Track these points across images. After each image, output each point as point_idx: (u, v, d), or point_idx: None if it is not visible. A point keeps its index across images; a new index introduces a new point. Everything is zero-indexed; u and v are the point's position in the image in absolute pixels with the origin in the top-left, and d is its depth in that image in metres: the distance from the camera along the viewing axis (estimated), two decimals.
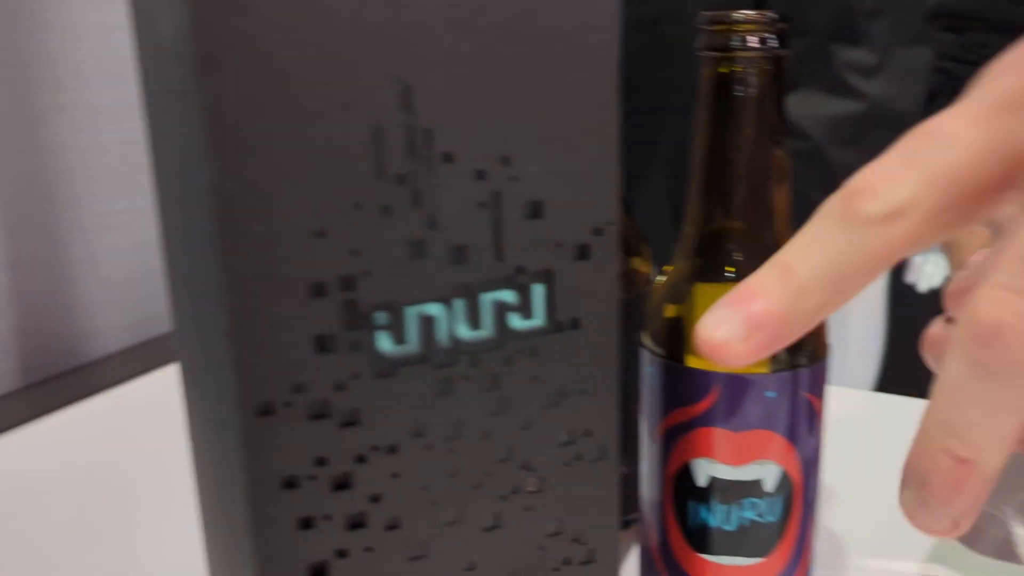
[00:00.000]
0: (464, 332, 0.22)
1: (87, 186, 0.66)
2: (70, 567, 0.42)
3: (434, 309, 0.22)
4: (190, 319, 0.24)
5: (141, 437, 0.55)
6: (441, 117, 0.21)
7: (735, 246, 0.31)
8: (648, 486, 0.33)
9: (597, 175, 0.23)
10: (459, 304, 0.22)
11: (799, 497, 0.32)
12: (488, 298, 0.22)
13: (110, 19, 0.65)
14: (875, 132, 1.10)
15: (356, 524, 0.22)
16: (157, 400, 0.54)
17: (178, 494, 0.39)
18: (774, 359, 0.30)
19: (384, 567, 0.23)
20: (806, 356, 0.31)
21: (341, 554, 0.22)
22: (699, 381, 0.31)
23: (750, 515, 0.31)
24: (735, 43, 0.29)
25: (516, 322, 0.23)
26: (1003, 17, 0.60)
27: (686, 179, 1.25)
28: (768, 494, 0.31)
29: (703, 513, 0.32)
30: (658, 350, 0.32)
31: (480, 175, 0.21)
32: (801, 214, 1.08)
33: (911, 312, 0.94)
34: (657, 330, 0.32)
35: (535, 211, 0.22)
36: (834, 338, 1.26)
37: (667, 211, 1.13)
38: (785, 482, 0.31)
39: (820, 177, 1.10)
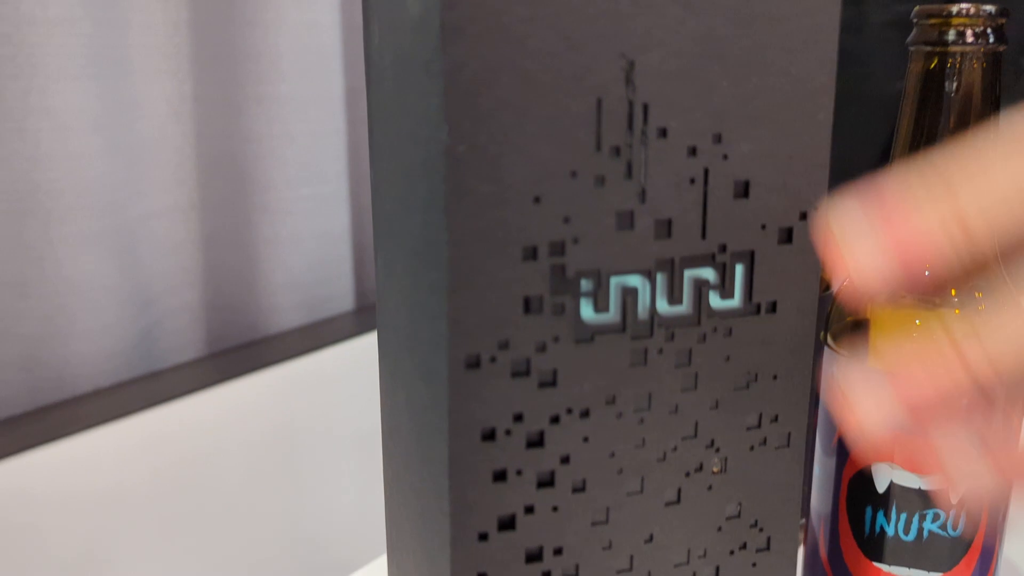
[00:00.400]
0: (663, 306, 0.23)
1: (277, 172, 0.70)
2: (244, 513, 0.45)
3: (635, 281, 0.22)
4: (403, 281, 0.25)
5: (312, 406, 0.58)
6: (659, 92, 0.21)
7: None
8: (820, 489, 0.33)
9: (807, 159, 0.23)
10: (660, 278, 0.23)
11: (986, 512, 0.30)
12: (689, 275, 0.23)
13: (308, 17, 0.70)
14: None
15: (545, 482, 0.23)
16: (327, 373, 0.57)
17: (344, 455, 0.41)
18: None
19: (567, 528, 0.23)
20: None
21: (529, 510, 0.23)
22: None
23: (932, 527, 0.30)
24: (951, 37, 0.29)
25: (715, 301, 0.23)
26: None
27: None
28: (953, 506, 0.30)
29: (881, 520, 0.31)
30: (841, 350, 0.31)
31: (692, 151, 0.22)
32: None
33: None
34: (842, 331, 0.31)
35: (743, 191, 0.23)
36: None
37: None
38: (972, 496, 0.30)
39: None
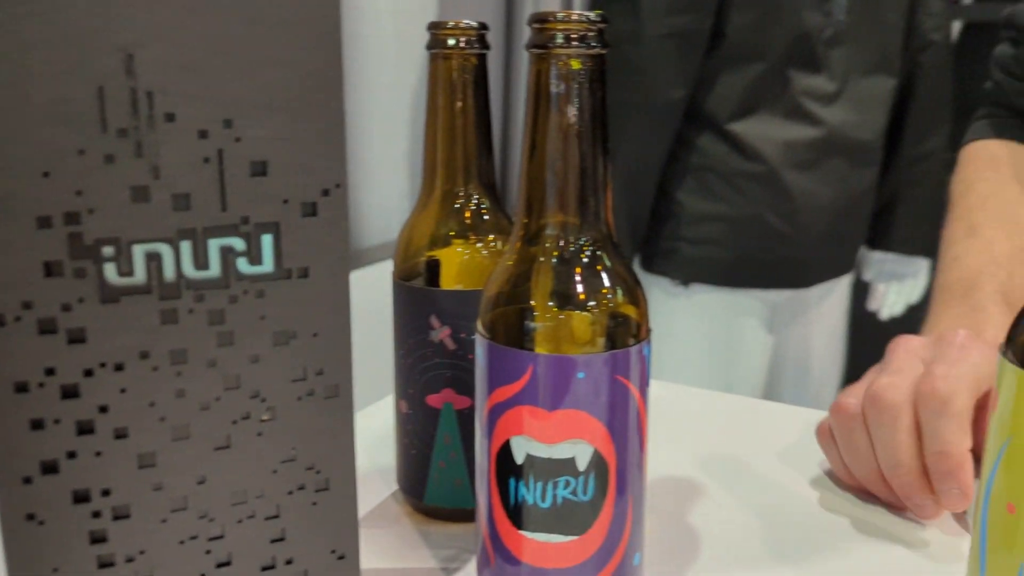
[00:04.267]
0: (191, 271, 0.26)
1: None
2: None
3: (160, 247, 0.25)
4: None
5: None
6: (164, 82, 0.24)
7: (559, 238, 0.34)
8: (478, 465, 0.36)
9: (324, 142, 0.27)
10: (186, 245, 0.26)
11: (614, 478, 0.34)
12: (215, 243, 0.26)
13: None
14: (832, 159, 1.13)
15: (85, 430, 0.26)
16: None
17: None
18: (586, 341, 0.33)
19: (112, 472, 0.26)
20: (619, 339, 0.34)
21: (71, 455, 0.26)
22: (516, 361, 0.34)
23: (564, 493, 0.34)
24: (557, 41, 0.32)
25: (245, 266, 0.26)
26: None
27: (642, 198, 1.29)
28: (581, 473, 0.34)
29: (522, 490, 0.35)
30: (485, 333, 0.35)
31: (203, 134, 0.25)
32: (754, 234, 1.12)
33: (872, 337, 0.96)
34: (485, 315, 0.35)
35: (261, 170, 0.26)
36: (798, 363, 1.28)
37: (625, 230, 1.16)
38: (598, 462, 0.34)
39: (776, 200, 1.12)
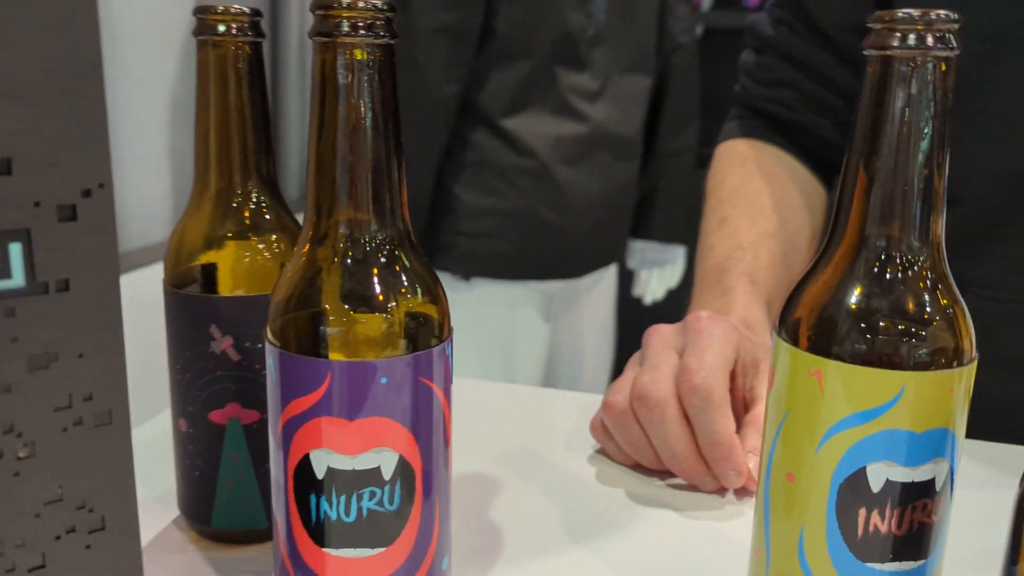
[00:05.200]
0: None
1: None
2: None
3: None
4: None
5: None
6: None
7: (352, 237, 0.32)
8: (275, 483, 0.34)
9: (82, 136, 0.23)
10: None
11: (420, 484, 0.33)
12: None
13: None
14: (597, 153, 1.18)
15: None
16: None
17: None
18: (387, 344, 0.32)
19: None
20: (421, 340, 0.32)
21: None
22: (312, 370, 0.31)
23: (370, 504, 0.32)
24: (341, 29, 0.30)
25: None
26: (792, 49, 0.68)
27: (420, 193, 1.28)
28: (387, 482, 0.32)
29: (324, 506, 0.32)
30: (275, 341, 0.32)
31: None
32: (529, 228, 1.14)
33: (638, 323, 1.01)
34: (275, 322, 0.32)
35: (5, 168, 0.22)
36: (573, 349, 1.33)
37: None
38: (404, 469, 0.32)
39: (548, 194, 1.16)
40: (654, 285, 1.40)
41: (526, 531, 0.44)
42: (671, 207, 1.34)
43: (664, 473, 0.49)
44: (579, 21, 1.12)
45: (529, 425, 0.56)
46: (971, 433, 0.50)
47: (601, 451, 0.52)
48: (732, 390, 0.48)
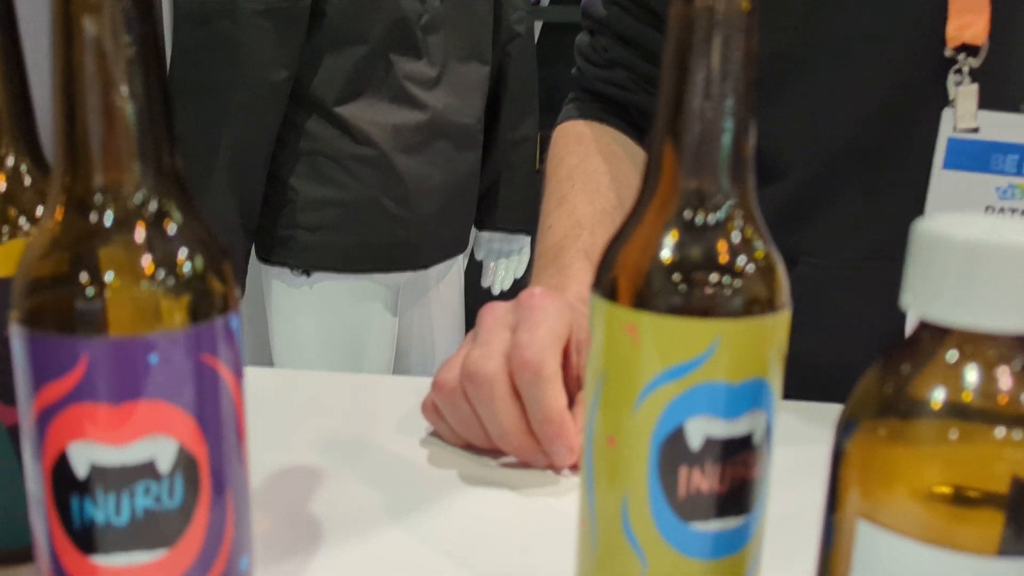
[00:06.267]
0: None
1: None
2: None
3: None
4: None
5: None
6: None
7: (115, 199, 0.28)
8: (30, 484, 0.29)
9: None
10: None
11: (207, 477, 0.29)
12: None
13: None
14: (438, 142, 1.16)
15: None
16: None
17: None
18: (158, 317, 0.28)
19: None
20: (200, 312, 0.28)
21: None
22: (65, 349, 0.27)
23: (146, 502, 0.28)
24: None
25: None
26: (625, 29, 0.66)
27: (252, 184, 1.21)
28: (164, 475, 0.28)
29: (88, 508, 0.28)
30: (23, 322, 0.27)
31: None
32: (370, 219, 1.09)
33: None
34: (22, 300, 0.28)
35: None
36: (423, 341, 1.30)
37: (236, 219, 1.08)
38: (186, 460, 0.28)
39: (388, 183, 1.13)
40: (501, 275, 1.39)
41: (347, 520, 0.41)
42: (514, 196, 1.33)
43: (497, 452, 0.47)
44: (413, 7, 1.10)
45: (363, 413, 0.53)
46: (799, 397, 0.52)
47: (434, 434, 0.50)
48: (565, 368, 0.46)
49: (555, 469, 0.46)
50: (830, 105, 0.58)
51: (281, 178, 1.11)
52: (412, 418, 0.52)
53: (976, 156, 0.54)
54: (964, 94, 0.54)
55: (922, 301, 0.26)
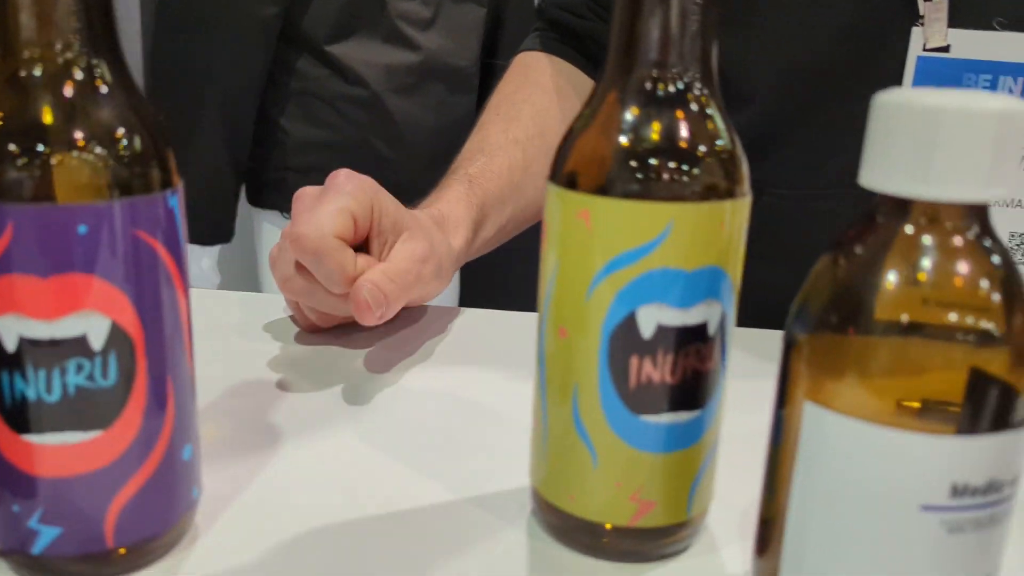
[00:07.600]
0: None
1: None
2: None
3: None
4: None
5: None
6: None
7: (41, 59, 0.26)
8: None
9: None
10: None
11: (143, 357, 0.28)
12: None
13: None
14: (431, 83, 1.14)
15: None
16: None
17: None
18: (87, 187, 0.27)
19: None
20: (135, 186, 0.27)
21: None
22: None
23: (78, 380, 0.27)
24: None
25: None
26: None
27: (242, 124, 1.18)
28: (96, 353, 0.27)
29: (19, 384, 0.27)
30: None
31: None
32: (361, 161, 1.07)
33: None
34: None
35: None
36: None
37: (226, 159, 1.07)
38: (120, 338, 0.28)
39: (380, 125, 1.11)
40: None
41: (303, 427, 0.40)
42: None
43: (455, 357, 0.46)
44: None
45: (331, 334, 0.52)
46: (762, 326, 0.51)
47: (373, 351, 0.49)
48: (368, 251, 0.48)
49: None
50: (796, 24, 0.56)
51: (271, 119, 1.09)
52: (379, 337, 0.51)
53: (947, 76, 0.52)
54: (933, 9, 0.52)
55: (881, 175, 0.25)
